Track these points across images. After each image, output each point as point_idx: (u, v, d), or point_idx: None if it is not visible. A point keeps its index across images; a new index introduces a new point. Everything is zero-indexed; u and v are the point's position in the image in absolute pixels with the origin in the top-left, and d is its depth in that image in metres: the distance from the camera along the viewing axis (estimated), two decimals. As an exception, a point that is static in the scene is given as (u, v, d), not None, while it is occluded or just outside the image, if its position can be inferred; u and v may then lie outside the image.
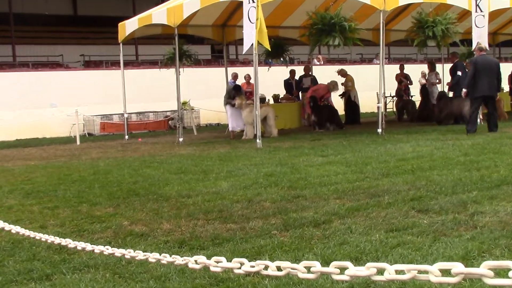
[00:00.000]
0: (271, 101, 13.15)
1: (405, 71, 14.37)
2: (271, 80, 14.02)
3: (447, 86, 12.96)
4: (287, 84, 14.04)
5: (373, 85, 12.29)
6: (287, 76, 14.07)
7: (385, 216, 3.84)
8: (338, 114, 12.43)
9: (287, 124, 13.17)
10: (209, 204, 4.63)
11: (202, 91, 16.42)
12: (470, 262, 2.72)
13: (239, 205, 4.50)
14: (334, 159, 6.94)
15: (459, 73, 11.64)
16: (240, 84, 12.09)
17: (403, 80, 14.14)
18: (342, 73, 13.67)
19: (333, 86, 12.30)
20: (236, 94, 11.18)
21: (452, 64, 12.14)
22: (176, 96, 10.91)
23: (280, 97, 13.70)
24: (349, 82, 13.49)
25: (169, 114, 15.65)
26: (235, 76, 13.24)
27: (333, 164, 6.45)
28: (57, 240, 2.02)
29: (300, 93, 13.85)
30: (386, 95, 13.26)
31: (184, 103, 15.01)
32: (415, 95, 14.30)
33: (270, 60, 14.88)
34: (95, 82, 16.02)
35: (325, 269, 1.13)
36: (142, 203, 4.80)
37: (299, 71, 14.18)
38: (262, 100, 11.78)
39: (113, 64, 17.72)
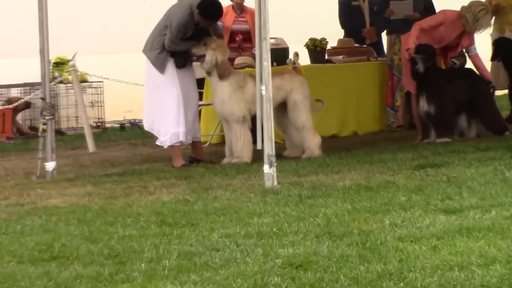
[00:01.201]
0: (303, 60, 13.41)
1: None
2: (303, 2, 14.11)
3: None
4: (348, 11, 14.73)
5: None
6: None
7: None
8: (493, 97, 12.88)
9: (350, 124, 13.74)
10: None
11: (109, 32, 17.09)
12: None
13: None
14: (480, 219, 7.11)
15: None
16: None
17: None
18: None
19: (474, 16, 12.57)
20: (204, 31, 11.44)
21: None
22: (39, 46, 11.17)
23: (329, 47, 14.08)
24: None
25: (18, 95, 16.36)
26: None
27: (476, 235, 6.55)
28: None
29: (385, 35, 14.45)
30: None
31: (59, 64, 15.51)
32: None
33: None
34: None
35: None
36: None
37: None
38: (281, 56, 12.07)
39: None
